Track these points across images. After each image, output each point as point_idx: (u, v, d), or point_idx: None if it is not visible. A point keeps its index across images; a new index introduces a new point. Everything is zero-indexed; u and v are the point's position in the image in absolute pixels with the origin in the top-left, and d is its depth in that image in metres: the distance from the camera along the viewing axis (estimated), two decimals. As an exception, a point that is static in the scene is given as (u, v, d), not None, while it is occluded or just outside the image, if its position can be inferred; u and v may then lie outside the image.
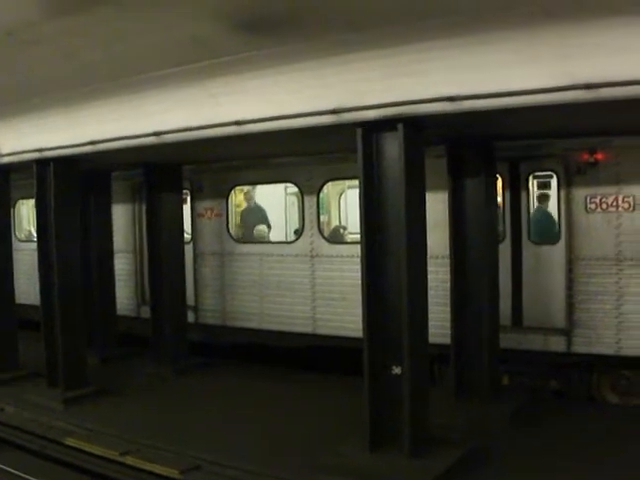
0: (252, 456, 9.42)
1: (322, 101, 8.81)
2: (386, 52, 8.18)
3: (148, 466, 9.32)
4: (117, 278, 16.35)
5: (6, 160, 13.26)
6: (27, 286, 16.63)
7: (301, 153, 13.43)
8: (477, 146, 10.76)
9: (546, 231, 11.98)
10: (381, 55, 8.25)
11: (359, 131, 8.74)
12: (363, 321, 8.90)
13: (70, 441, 10.40)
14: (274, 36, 8.29)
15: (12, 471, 9.73)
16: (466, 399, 10.72)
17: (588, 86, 7.18)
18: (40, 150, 12.28)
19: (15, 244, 17.09)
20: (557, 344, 11.31)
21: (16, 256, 15.71)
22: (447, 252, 11.02)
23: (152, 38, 8.41)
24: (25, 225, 19.33)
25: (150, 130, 10.54)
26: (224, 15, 7.64)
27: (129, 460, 9.58)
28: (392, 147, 8.64)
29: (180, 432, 10.54)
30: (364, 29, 7.93)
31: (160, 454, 9.67)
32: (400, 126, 8.47)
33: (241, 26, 7.92)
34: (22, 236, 19.13)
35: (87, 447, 10.13)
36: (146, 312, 15.63)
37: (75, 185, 12.90)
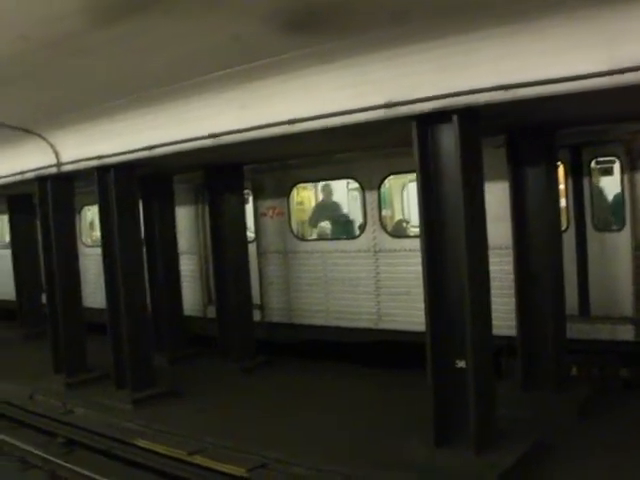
0: (317, 453, 9.43)
1: (373, 96, 8.77)
2: (436, 44, 8.10)
3: (215, 465, 9.39)
4: (183, 279, 16.53)
5: (69, 168, 13.49)
6: (94, 290, 16.88)
7: (359, 149, 13.39)
8: (537, 134, 10.56)
9: (610, 218, 11.71)
10: (431, 47, 8.17)
11: (414, 124, 8.67)
12: (426, 315, 8.82)
13: (139, 441, 10.55)
14: (320, 34, 8.26)
15: (82, 471, 9.87)
16: (534, 391, 10.56)
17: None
18: (100, 157, 12.48)
19: (82, 249, 17.44)
20: (625, 333, 11.05)
21: (83, 261, 16.02)
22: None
23: (200, 42, 8.42)
24: (90, 231, 19.60)
25: (205, 133, 10.64)
26: (270, 15, 7.62)
27: (197, 459, 9.66)
28: (448, 139, 8.56)
29: (246, 430, 10.64)
30: (411, 22, 7.86)
31: (227, 453, 9.74)
32: (455, 117, 8.37)
33: (287, 26, 7.90)
34: (88, 241, 19.44)
35: (155, 447, 10.26)
36: (212, 312, 15.79)
37: (136, 190, 13.11)
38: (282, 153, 13.57)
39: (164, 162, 12.66)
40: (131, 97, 10.98)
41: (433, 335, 8.76)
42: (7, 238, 22.54)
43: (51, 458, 10.46)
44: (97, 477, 9.57)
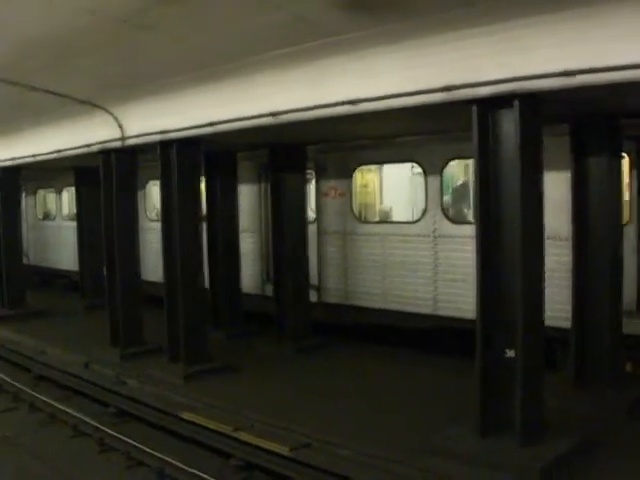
0: (362, 436, 9.40)
1: (433, 79, 8.65)
2: (496, 27, 7.97)
3: (259, 442, 9.44)
4: (242, 257, 16.63)
5: (133, 142, 13.67)
6: (156, 264, 17.07)
7: (422, 132, 13.27)
8: (601, 124, 10.34)
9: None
10: (491, 31, 8.03)
11: (474, 108, 8.53)
12: (477, 302, 8.72)
13: (187, 415, 10.66)
14: (381, 15, 8.23)
15: (130, 441, 10.04)
16: (585, 385, 10.39)
17: None
18: (163, 132, 12.58)
19: (146, 223, 17.68)
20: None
21: (146, 235, 16.25)
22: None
23: (262, 20, 8.46)
24: (154, 205, 19.80)
25: (266, 111, 10.62)
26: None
27: (242, 435, 9.73)
28: (508, 124, 8.41)
29: (295, 410, 10.67)
30: (471, 4, 7.74)
31: (272, 431, 9.79)
32: (516, 103, 8.23)
33: (350, 6, 7.86)
34: (153, 215, 19.66)
35: (202, 421, 10.36)
36: (270, 290, 15.83)
37: (198, 166, 13.25)
38: (344, 134, 13.51)
39: (227, 139, 12.71)
40: (195, 73, 11.06)
41: (483, 322, 8.65)
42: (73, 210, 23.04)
43: (101, 427, 10.65)
44: (143, 447, 9.71)
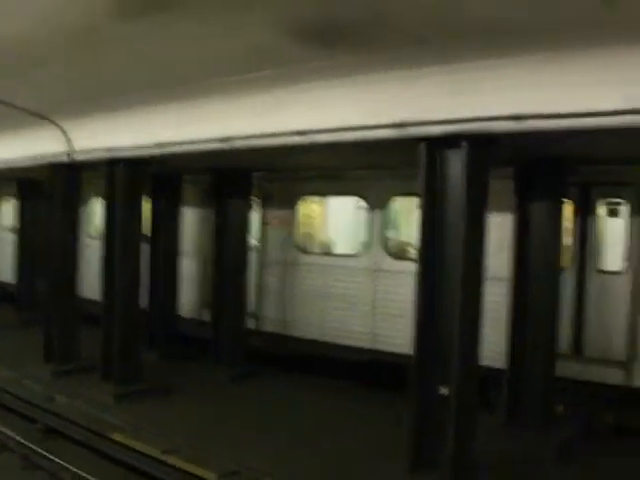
0: (290, 466, 9.39)
1: (385, 115, 8.75)
2: (452, 68, 8.09)
3: (187, 467, 9.34)
4: (182, 280, 16.52)
5: (80, 158, 13.54)
6: (95, 282, 16.85)
7: (369, 167, 13.38)
8: (546, 169, 10.54)
9: (611, 259, 11.63)
10: (447, 71, 8.15)
11: (422, 146, 8.65)
12: (414, 338, 8.77)
13: (116, 435, 10.51)
14: (337, 48, 8.27)
15: (54, 459, 9.85)
16: (517, 425, 10.49)
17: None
18: (110, 150, 12.51)
19: (87, 240, 17.44)
20: (615, 376, 10.96)
21: (87, 252, 16.05)
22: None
23: (218, 45, 8.45)
24: (97, 222, 19.55)
25: (216, 136, 10.63)
26: (288, 25, 7.62)
27: (170, 459, 9.62)
28: (455, 164, 8.53)
29: (224, 437, 10.57)
30: (429, 44, 7.83)
31: (201, 456, 9.69)
32: (464, 143, 8.35)
33: (304, 36, 7.90)
34: (94, 232, 19.39)
35: (130, 443, 10.22)
36: (208, 315, 15.72)
37: (142, 186, 13.15)
38: (292, 164, 13.57)
39: (175, 161, 12.70)
40: (147, 93, 10.98)
41: (419, 359, 8.70)
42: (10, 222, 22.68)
43: (26, 443, 10.43)
44: (67, 466, 9.53)
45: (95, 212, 19.62)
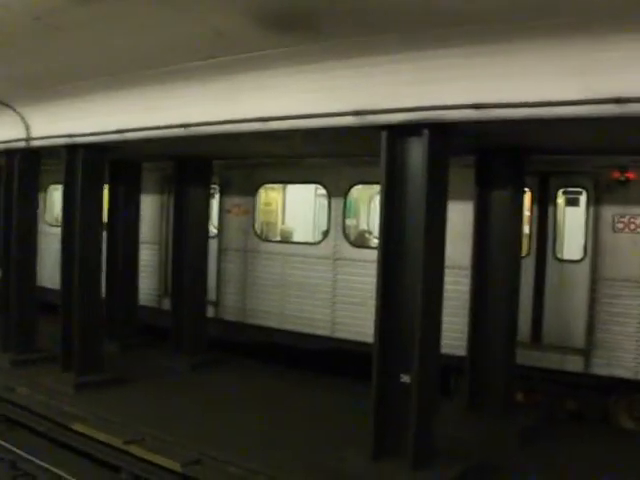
0: (254, 455, 9.35)
1: (344, 102, 8.75)
2: (414, 56, 8.10)
3: (150, 457, 9.30)
4: (141, 269, 16.42)
5: (37, 144, 13.36)
6: (54, 271, 16.68)
7: (329, 154, 13.37)
8: (506, 158, 10.57)
9: (572, 248, 11.75)
10: (409, 59, 8.16)
11: (383, 134, 8.64)
12: (375, 326, 8.79)
13: (77, 426, 10.43)
14: (297, 34, 8.26)
15: (18, 451, 9.76)
16: (478, 413, 10.55)
17: (618, 100, 7.01)
18: (70, 136, 12.34)
19: (45, 228, 17.27)
20: (575, 364, 11.09)
21: (45, 240, 15.88)
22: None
23: (179, 30, 8.38)
24: (55, 210, 19.38)
25: (177, 122, 10.53)
26: (248, 10, 7.57)
27: (132, 449, 9.57)
28: (416, 152, 8.53)
29: (186, 426, 10.51)
30: (389, 32, 7.83)
31: (163, 446, 9.66)
32: (425, 131, 8.36)
33: (264, 22, 7.86)
34: (52, 220, 19.22)
35: (92, 433, 10.16)
36: (167, 304, 15.65)
37: (103, 173, 12.99)
38: (253, 151, 13.47)
39: (135, 148, 12.58)
40: (106, 79, 10.89)
41: (380, 347, 8.72)
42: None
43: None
44: (28, 456, 9.46)
45: (54, 200, 19.46)
